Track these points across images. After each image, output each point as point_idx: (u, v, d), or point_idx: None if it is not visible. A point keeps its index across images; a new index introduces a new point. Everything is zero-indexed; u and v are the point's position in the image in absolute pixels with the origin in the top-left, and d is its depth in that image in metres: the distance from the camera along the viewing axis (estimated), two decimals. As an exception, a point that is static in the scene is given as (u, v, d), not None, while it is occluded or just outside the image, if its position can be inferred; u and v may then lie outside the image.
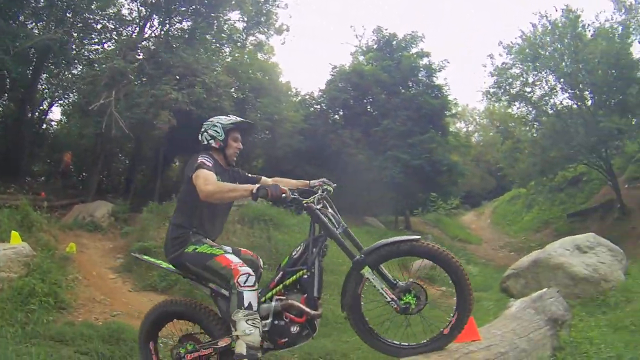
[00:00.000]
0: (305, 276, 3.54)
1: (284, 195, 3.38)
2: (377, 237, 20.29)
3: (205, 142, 4.10)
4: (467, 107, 46.79)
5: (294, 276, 3.63)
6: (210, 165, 3.76)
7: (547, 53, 24.07)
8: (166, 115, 15.70)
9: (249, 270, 3.61)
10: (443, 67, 26.08)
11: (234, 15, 22.61)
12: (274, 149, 22.71)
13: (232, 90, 19.53)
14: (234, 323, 3.52)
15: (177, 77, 16.66)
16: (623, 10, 34.13)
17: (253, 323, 3.47)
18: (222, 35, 21.82)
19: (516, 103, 25.70)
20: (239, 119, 4.26)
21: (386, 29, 26.68)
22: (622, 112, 21.93)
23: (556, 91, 24.66)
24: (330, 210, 3.73)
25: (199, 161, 3.74)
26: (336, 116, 26.53)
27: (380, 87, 24.65)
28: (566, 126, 23.46)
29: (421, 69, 26.03)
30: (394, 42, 26.60)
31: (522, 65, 24.74)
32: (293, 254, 3.73)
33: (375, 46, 27.12)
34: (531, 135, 26.35)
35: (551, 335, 5.14)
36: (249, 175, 4.40)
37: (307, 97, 26.71)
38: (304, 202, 3.58)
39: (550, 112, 25.05)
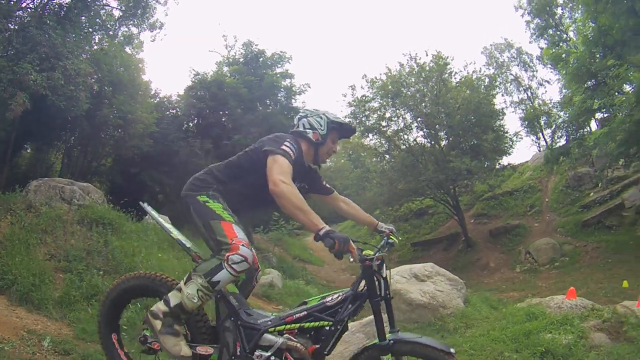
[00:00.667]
0: (327, 328, 3.44)
1: (351, 258, 3.22)
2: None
3: (301, 129, 3.93)
4: None
5: (317, 323, 3.49)
6: (294, 157, 3.59)
7: (409, 92, 26.84)
8: (22, 97, 14.96)
9: (249, 255, 3.40)
10: (303, 91, 28.17)
11: (113, 2, 22.10)
12: (124, 149, 22.36)
13: (93, 80, 18.92)
14: (189, 279, 3.46)
15: (43, 57, 15.83)
16: (494, 65, 38.62)
17: (202, 296, 3.40)
18: (97, 20, 21.00)
19: (370, 135, 28.43)
20: (346, 120, 4.22)
21: (256, 45, 28.16)
22: (475, 155, 24.97)
23: (411, 128, 27.74)
24: (385, 270, 3.52)
25: (285, 145, 3.58)
26: (190, 124, 26.93)
27: (237, 101, 25.48)
28: (416, 162, 26.35)
29: (282, 89, 27.80)
30: (261, 59, 28.05)
31: (382, 100, 27.49)
32: (327, 300, 3.55)
33: (242, 60, 28.29)
34: (381, 166, 29.19)
35: (381, 361, 5.98)
36: (325, 183, 4.34)
37: (165, 100, 26.94)
38: (366, 261, 3.33)
39: (403, 147, 27.80)
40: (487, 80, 27.96)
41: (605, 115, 22.32)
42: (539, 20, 36.06)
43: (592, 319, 7.54)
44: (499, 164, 28.58)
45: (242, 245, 3.36)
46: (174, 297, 3.42)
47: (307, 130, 3.88)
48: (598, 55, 21.46)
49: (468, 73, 27.58)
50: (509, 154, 28.56)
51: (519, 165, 34.11)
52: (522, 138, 35.44)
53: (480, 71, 28.41)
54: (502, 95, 39.97)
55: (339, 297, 3.50)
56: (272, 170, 3.38)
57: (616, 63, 18.67)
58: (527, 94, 41.85)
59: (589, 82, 21.71)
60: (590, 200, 25.70)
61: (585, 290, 15.25)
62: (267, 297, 13.56)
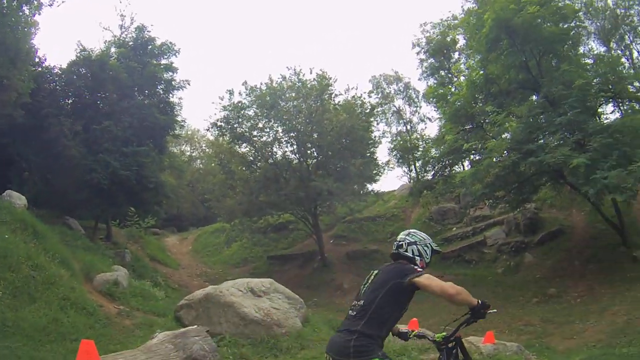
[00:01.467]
0: None
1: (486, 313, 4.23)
2: (72, 239, 21.30)
3: (410, 255, 4.56)
4: (198, 132, 53.11)
5: None
6: None
7: (285, 106, 28.78)
8: None
9: None
10: (183, 87, 29.16)
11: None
12: (-6, 118, 21.23)
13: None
14: None
15: None
16: (380, 95, 40.16)
17: None
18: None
19: (240, 142, 30.08)
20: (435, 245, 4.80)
21: (149, 31, 28.67)
22: (340, 178, 27.15)
23: (281, 142, 29.73)
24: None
25: (414, 268, 4.30)
26: (67, 101, 26.99)
27: (116, 86, 25.72)
28: (279, 176, 28.11)
29: (162, 81, 28.61)
30: (150, 47, 28.65)
31: (257, 109, 29.20)
32: None
33: (131, 43, 28.59)
34: (245, 175, 30.25)
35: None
36: None
37: (46, 71, 26.56)
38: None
39: (270, 160, 29.53)
40: (368, 108, 30.73)
41: (477, 157, 24.72)
42: (433, 60, 40.48)
43: (432, 352, 7.91)
44: (365, 190, 31.18)
45: None
46: None
47: (416, 258, 4.55)
48: (480, 101, 24.16)
49: (349, 98, 30.07)
50: (376, 181, 31.50)
51: (386, 193, 36.68)
52: (393, 168, 39.03)
53: (361, 97, 30.84)
54: (382, 124, 44.10)
55: None
56: (436, 285, 4.08)
57: (495, 110, 21.26)
58: (406, 127, 45.93)
59: (467, 125, 24.47)
60: (453, 234, 29.05)
61: (437, 319, 17.29)
62: (111, 295, 14.45)
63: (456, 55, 38.67)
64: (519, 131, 20.71)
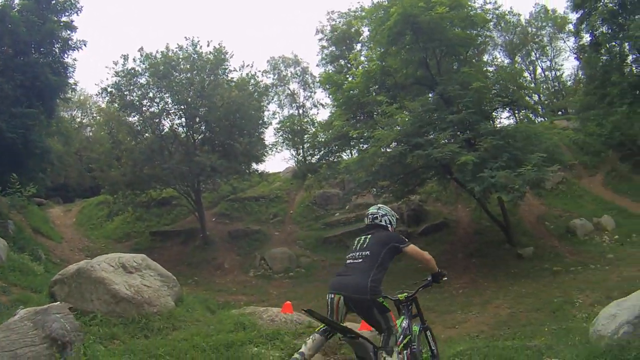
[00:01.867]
0: None
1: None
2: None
3: (384, 224, 6.04)
4: (91, 99, 49.52)
5: None
6: None
7: (178, 77, 27.45)
8: None
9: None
10: (79, 47, 27.22)
11: None
12: None
13: None
14: (389, 353, 5.26)
15: None
16: (276, 77, 40.21)
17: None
18: None
19: (129, 110, 28.24)
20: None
21: None
22: (225, 155, 26.26)
23: (170, 114, 28.36)
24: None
25: (403, 238, 5.98)
26: None
27: (13, 40, 23.87)
28: (164, 148, 26.88)
29: (59, 40, 26.53)
30: (53, 1, 26.36)
31: (150, 78, 27.45)
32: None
33: None
34: (132, 147, 28.19)
35: (49, 355, 5.54)
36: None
37: None
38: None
39: (157, 132, 28.07)
40: (262, 87, 30.05)
41: (364, 146, 24.43)
42: (334, 49, 40.63)
43: (307, 336, 7.01)
44: (250, 169, 30.34)
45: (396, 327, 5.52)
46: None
47: (389, 226, 6.12)
48: (374, 92, 23.83)
49: (243, 75, 29.25)
50: (262, 161, 30.72)
51: (271, 174, 36.18)
52: (281, 150, 39.29)
53: (255, 75, 29.99)
54: (274, 105, 43.83)
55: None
56: (418, 253, 6.10)
57: (388, 101, 20.98)
58: (298, 111, 45.60)
59: (358, 113, 24.31)
60: (335, 219, 28.96)
61: (315, 303, 16.21)
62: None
63: (358, 46, 38.75)
64: (410, 124, 20.49)
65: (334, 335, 5.67)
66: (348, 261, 5.80)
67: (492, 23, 26.68)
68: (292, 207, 31.94)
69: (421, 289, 6.48)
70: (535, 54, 51.61)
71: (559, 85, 52.65)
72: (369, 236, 5.89)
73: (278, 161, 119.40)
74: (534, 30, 51.08)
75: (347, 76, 26.03)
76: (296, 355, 5.23)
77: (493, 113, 24.09)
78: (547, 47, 51.55)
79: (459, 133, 20.67)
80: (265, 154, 31.09)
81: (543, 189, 24.80)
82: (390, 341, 5.45)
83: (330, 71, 36.06)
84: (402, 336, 5.65)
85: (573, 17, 35.19)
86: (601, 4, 31.19)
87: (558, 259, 21.42)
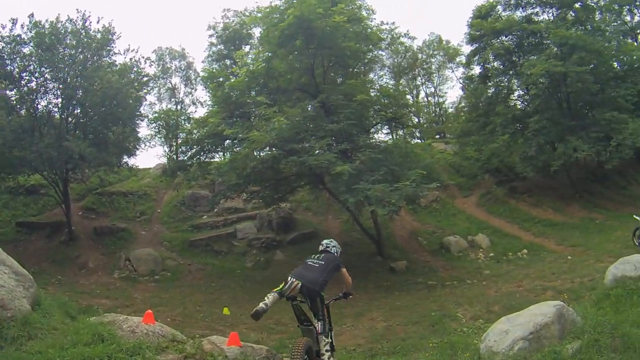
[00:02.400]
0: None
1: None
2: None
3: (333, 252, 8.49)
4: None
5: None
6: None
7: (63, 52, 25.19)
8: None
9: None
10: None
11: None
12: None
13: None
14: (327, 336, 7.75)
15: None
16: (160, 67, 39.53)
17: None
18: None
19: (7, 82, 25.08)
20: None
21: None
22: (97, 144, 24.57)
23: (49, 93, 25.93)
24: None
25: (341, 263, 8.36)
26: None
27: None
28: (35, 129, 24.31)
29: None
30: None
31: (34, 49, 24.96)
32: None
33: None
34: (4, 124, 24.57)
35: None
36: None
37: None
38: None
39: (32, 110, 25.39)
40: (143, 77, 28.46)
41: (238, 148, 23.56)
42: (222, 47, 40.31)
43: (171, 352, 7.29)
44: (121, 162, 28.90)
45: None
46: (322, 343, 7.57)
47: (337, 253, 8.64)
48: (256, 93, 23.34)
49: (127, 60, 27.52)
50: (134, 154, 29.12)
51: (141, 170, 34.48)
52: (154, 145, 38.39)
53: (139, 62, 28.04)
54: (152, 97, 42.74)
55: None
56: (348, 277, 8.51)
57: (267, 103, 20.63)
58: (177, 107, 45.10)
59: (236, 113, 23.56)
60: (203, 222, 28.14)
61: (182, 310, 16.10)
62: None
63: (247, 48, 37.93)
64: (287, 129, 19.82)
65: (287, 300, 7.69)
66: (308, 262, 8.12)
67: (385, 42, 26.51)
68: (160, 206, 30.74)
69: (333, 300, 8.56)
70: (421, 79, 53.17)
71: (440, 110, 54.37)
72: (322, 255, 8.36)
73: (150, 157, 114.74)
74: (424, 56, 52.12)
75: (231, 76, 25.19)
76: (261, 305, 7.21)
77: (372, 129, 24.30)
78: (434, 75, 52.87)
79: (336, 144, 20.45)
80: (138, 147, 29.32)
81: (418, 206, 25.76)
82: (326, 328, 7.83)
83: (215, 69, 35.21)
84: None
85: (467, 49, 37.14)
86: (497, 40, 33.37)
87: (432, 273, 21.65)
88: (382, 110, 22.35)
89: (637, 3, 38.44)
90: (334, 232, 26.67)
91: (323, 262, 8.24)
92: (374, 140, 23.23)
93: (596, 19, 33.91)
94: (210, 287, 21.16)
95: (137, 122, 28.38)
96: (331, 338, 8.20)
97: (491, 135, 33.15)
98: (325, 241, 9.00)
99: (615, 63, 33.64)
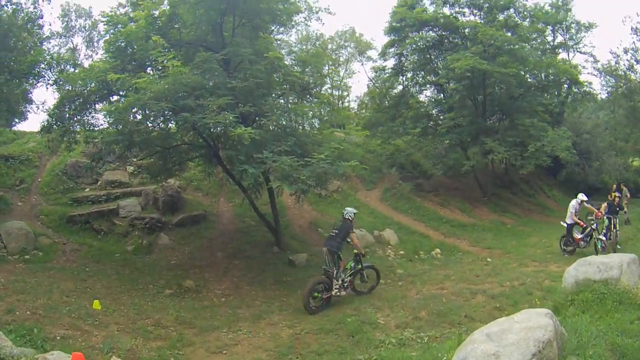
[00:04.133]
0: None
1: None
2: None
3: (348, 218, 14.49)
4: None
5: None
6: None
7: None
8: None
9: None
10: None
11: None
12: None
13: None
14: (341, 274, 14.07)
15: None
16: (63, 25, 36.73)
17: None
18: None
19: None
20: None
21: None
22: None
23: None
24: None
25: (351, 231, 14.45)
26: None
27: None
28: None
29: None
30: None
31: None
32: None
33: None
34: None
35: None
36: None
37: None
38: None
39: None
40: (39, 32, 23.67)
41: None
42: None
43: None
44: (10, 122, 25.68)
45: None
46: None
47: (349, 219, 14.64)
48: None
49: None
50: (24, 117, 26.81)
51: (28, 133, 30.72)
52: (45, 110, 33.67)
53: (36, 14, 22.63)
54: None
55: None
56: (354, 238, 14.58)
57: (164, 48, 16.33)
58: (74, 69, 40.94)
59: (129, 62, 18.51)
60: (84, 196, 23.94)
61: (46, 300, 12.75)
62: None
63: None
64: (182, 78, 15.49)
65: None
66: (331, 233, 14.64)
67: (302, 15, 23.49)
68: (41, 175, 25.76)
69: (361, 255, 14.71)
70: (328, 69, 50.07)
71: (343, 103, 53.12)
72: (341, 224, 14.50)
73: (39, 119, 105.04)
74: (334, 46, 49.94)
75: (131, 23, 20.09)
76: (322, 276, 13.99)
77: (280, 98, 20.55)
78: (342, 66, 51.27)
79: (238, 105, 16.23)
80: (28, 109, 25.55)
81: (319, 196, 23.92)
82: (340, 274, 13.82)
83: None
84: (350, 270, 14.40)
85: (381, 41, 36.62)
86: (418, 33, 32.47)
87: None
88: (290, 76, 18.40)
89: (558, 26, 41.87)
90: (226, 215, 23.37)
91: (338, 231, 14.19)
92: (282, 105, 19.50)
93: (523, 27, 33.67)
94: (83, 272, 16.90)
95: (32, 81, 23.27)
96: (365, 274, 15.00)
97: (401, 127, 32.22)
98: (343, 211, 14.74)
99: (538, 73, 34.03)
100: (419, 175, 32.19)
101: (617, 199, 20.37)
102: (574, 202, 18.80)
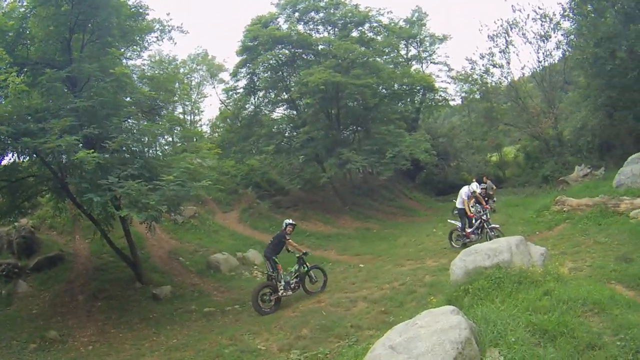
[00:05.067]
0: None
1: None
2: None
3: (284, 227, 15.69)
4: None
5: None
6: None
7: None
8: None
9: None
10: None
11: None
12: None
13: None
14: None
15: None
16: None
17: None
18: None
19: None
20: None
21: None
22: None
23: None
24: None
25: (286, 236, 15.46)
26: None
27: None
28: None
29: None
30: None
31: None
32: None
33: None
34: None
35: None
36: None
37: None
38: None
39: None
40: None
41: None
42: None
43: None
44: None
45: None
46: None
47: (285, 229, 15.68)
48: None
49: None
50: None
51: None
52: None
53: None
54: None
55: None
56: (291, 243, 15.59)
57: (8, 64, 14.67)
58: None
59: None
60: None
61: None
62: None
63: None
64: (21, 103, 14.23)
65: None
66: (269, 242, 15.70)
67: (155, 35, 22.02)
68: None
69: (303, 255, 15.59)
70: (179, 93, 48.35)
71: (194, 127, 50.73)
72: (277, 233, 15.91)
73: None
74: (186, 70, 48.64)
75: None
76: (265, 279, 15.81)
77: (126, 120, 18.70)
78: (194, 90, 50.51)
79: (82, 127, 14.86)
80: None
81: (174, 222, 23.03)
82: (281, 276, 14.87)
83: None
84: (295, 273, 15.33)
85: (234, 62, 36.07)
86: (271, 52, 32.58)
87: (205, 298, 18.04)
88: (137, 93, 17.21)
89: (412, 40, 45.07)
90: (83, 254, 21.72)
91: (273, 239, 15.65)
92: (129, 126, 18.30)
93: (378, 41, 35.19)
94: None
95: None
96: (312, 274, 15.93)
97: (254, 146, 32.63)
98: (286, 221, 16.05)
99: (394, 84, 35.25)
100: (277, 192, 32.51)
101: (482, 191, 21.16)
102: (465, 189, 18.50)
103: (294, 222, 15.97)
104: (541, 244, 11.53)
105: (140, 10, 19.21)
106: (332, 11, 34.37)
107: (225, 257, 21.24)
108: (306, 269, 15.55)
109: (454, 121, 51.87)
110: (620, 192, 19.36)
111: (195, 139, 25.29)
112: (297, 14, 34.43)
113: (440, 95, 42.88)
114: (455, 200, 19.74)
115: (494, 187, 27.53)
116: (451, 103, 46.58)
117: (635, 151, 21.78)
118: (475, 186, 18.47)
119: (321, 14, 34.62)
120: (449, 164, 42.24)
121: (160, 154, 19.67)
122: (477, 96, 41.86)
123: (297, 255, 15.43)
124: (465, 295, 8.46)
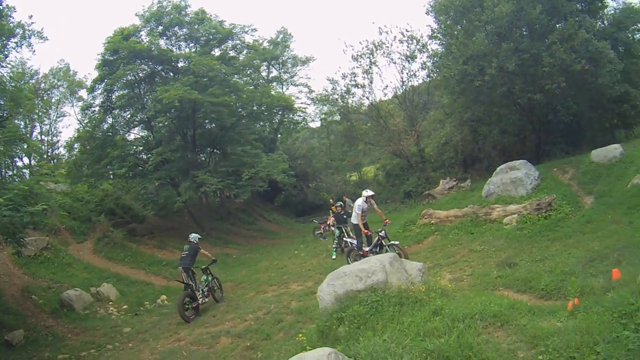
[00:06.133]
0: None
1: None
2: None
3: (193, 241, 17.92)
4: None
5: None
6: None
7: None
8: None
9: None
10: None
11: None
12: None
13: None
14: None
15: None
16: None
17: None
18: None
19: None
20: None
21: None
22: None
23: None
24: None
25: (199, 248, 18.09)
26: None
27: None
28: None
29: None
30: None
31: None
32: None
33: None
34: None
35: None
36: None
37: None
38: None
39: None
40: None
41: None
42: None
43: None
44: None
45: None
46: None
47: (195, 241, 17.96)
48: None
49: None
50: None
51: None
52: None
53: None
54: None
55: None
56: (203, 252, 18.34)
57: None
58: None
59: None
60: None
61: None
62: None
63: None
64: None
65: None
66: (182, 254, 17.48)
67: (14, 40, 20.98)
68: None
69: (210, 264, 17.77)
70: (39, 112, 44.79)
71: (53, 151, 48.44)
72: (188, 246, 17.61)
73: None
74: (45, 85, 45.45)
75: None
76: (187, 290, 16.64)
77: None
78: (52, 109, 47.08)
79: None
80: None
81: (24, 255, 20.62)
82: (199, 286, 17.08)
83: None
84: (205, 282, 17.37)
85: (94, 75, 34.01)
86: (130, 67, 31.25)
87: (59, 342, 16.34)
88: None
89: (274, 61, 46.43)
90: None
91: (187, 252, 17.29)
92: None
93: (239, 60, 35.72)
94: None
95: None
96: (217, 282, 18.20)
97: (107, 169, 31.08)
98: (192, 235, 18.12)
99: (253, 104, 35.23)
100: (132, 220, 31.11)
101: (340, 209, 22.54)
102: (359, 201, 17.18)
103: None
104: (413, 259, 11.54)
105: (6, 11, 18.38)
106: (196, 27, 34.14)
107: (78, 294, 19.92)
108: (212, 277, 18.00)
109: (312, 142, 53.45)
110: (491, 201, 20.65)
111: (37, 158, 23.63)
112: (160, 28, 33.77)
113: (300, 116, 43.68)
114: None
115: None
116: (311, 125, 47.52)
117: (501, 163, 23.62)
118: (361, 201, 17.10)
119: (185, 29, 34.30)
120: (308, 184, 43.29)
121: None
122: (337, 117, 43.02)
123: (203, 266, 17.69)
124: (339, 324, 7.96)
